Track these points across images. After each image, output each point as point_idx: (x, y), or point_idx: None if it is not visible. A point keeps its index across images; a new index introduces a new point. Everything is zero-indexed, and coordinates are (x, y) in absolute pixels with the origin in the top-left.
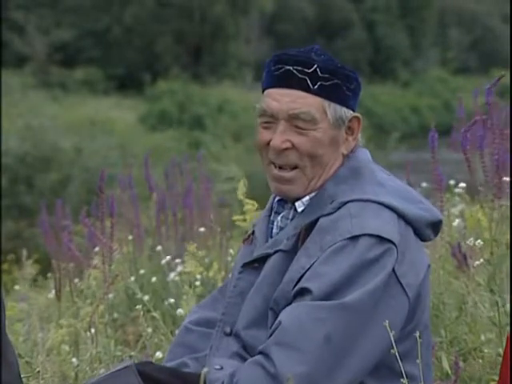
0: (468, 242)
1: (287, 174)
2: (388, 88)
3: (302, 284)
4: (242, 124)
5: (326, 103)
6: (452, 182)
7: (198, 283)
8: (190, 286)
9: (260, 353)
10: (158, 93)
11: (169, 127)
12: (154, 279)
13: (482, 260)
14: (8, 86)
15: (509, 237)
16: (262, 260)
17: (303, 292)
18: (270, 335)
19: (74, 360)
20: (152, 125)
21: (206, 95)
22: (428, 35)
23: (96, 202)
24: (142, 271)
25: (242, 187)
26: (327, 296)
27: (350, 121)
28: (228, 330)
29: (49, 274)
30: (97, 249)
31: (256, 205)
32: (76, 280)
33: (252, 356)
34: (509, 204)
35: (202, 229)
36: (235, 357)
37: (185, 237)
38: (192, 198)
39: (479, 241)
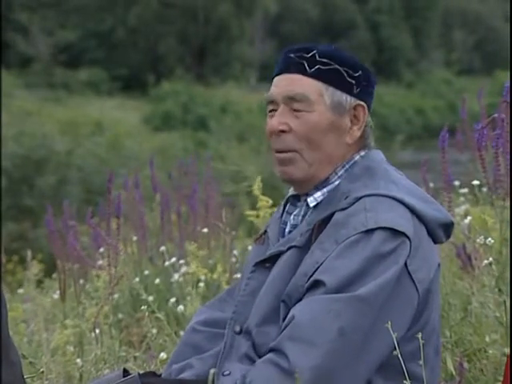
0: (478, 241)
1: (285, 155)
2: (392, 89)
3: (315, 277)
4: (245, 125)
5: (324, 87)
6: (457, 183)
7: (201, 284)
8: (192, 287)
9: (271, 350)
10: (161, 94)
11: (173, 128)
12: (157, 280)
13: (490, 259)
14: (11, 87)
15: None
16: (274, 259)
17: (317, 284)
18: (283, 330)
19: (78, 360)
20: (156, 126)
21: (210, 96)
22: (432, 36)
23: (101, 203)
24: (146, 272)
25: (258, 183)
26: (340, 289)
27: (355, 109)
28: (238, 328)
29: (54, 275)
30: (102, 249)
31: (270, 201)
32: (81, 281)
33: (260, 356)
34: (509, 204)
35: (205, 229)
36: (244, 359)
37: (189, 237)
38: (196, 199)
39: (490, 239)
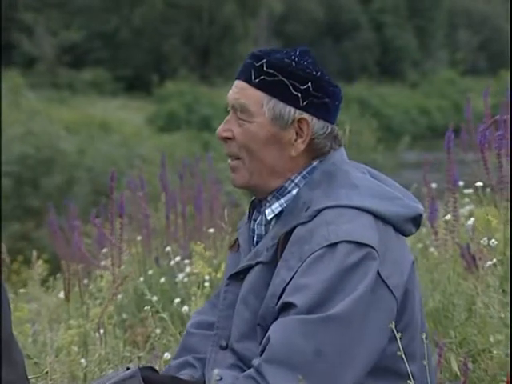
0: (482, 242)
1: (232, 163)
2: (396, 89)
3: (285, 298)
4: None
5: (266, 98)
6: (461, 184)
7: (206, 284)
8: (199, 287)
9: (253, 367)
10: (165, 94)
11: (177, 128)
12: (162, 280)
13: (494, 260)
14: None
15: None
16: (247, 271)
17: (287, 307)
18: (261, 352)
19: (82, 361)
20: (160, 126)
21: (214, 96)
22: (437, 36)
23: (105, 203)
24: (150, 272)
25: None
26: (312, 308)
27: (300, 122)
28: (224, 343)
29: (58, 275)
30: (105, 250)
31: None
32: (85, 281)
33: (248, 367)
34: (509, 204)
35: (211, 230)
36: (233, 368)
37: (193, 237)
38: (202, 199)
39: (493, 240)
